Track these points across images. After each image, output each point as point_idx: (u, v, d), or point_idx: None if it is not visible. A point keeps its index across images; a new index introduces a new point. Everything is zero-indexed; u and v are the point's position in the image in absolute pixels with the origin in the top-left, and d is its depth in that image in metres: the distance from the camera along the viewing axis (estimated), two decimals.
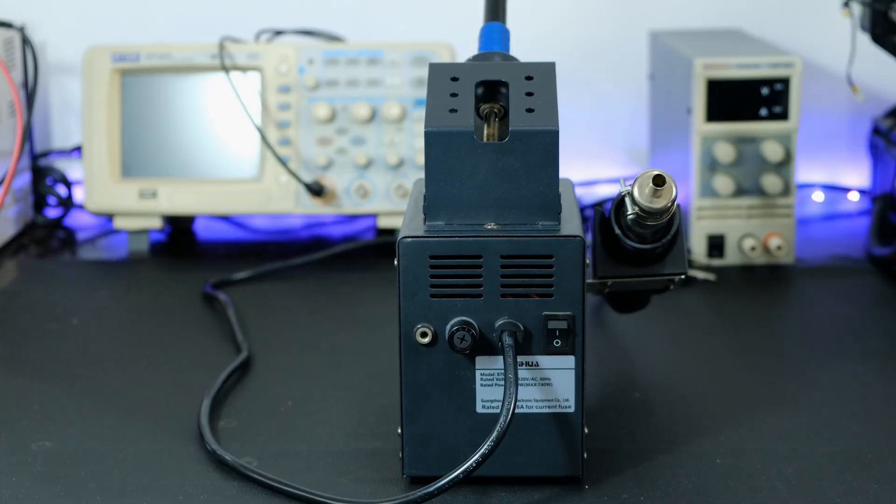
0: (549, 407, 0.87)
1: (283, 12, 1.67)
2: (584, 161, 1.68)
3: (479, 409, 0.87)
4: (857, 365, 1.11)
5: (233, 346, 1.17)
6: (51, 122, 1.70)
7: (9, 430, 0.99)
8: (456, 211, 0.86)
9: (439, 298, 0.85)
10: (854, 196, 1.67)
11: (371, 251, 1.47)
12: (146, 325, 1.25)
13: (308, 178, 1.46)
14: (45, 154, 1.66)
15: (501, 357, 0.85)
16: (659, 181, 0.85)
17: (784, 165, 1.37)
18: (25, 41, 1.55)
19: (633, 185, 0.86)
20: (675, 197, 0.86)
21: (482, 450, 0.82)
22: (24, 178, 1.57)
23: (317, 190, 1.45)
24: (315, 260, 1.43)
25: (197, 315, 1.27)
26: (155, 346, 1.19)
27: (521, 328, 0.85)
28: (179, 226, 1.55)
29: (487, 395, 0.86)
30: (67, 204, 1.60)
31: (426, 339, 0.85)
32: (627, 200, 0.87)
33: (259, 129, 1.45)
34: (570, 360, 0.86)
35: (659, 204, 0.86)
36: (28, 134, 1.55)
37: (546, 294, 0.85)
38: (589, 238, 0.89)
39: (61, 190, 1.61)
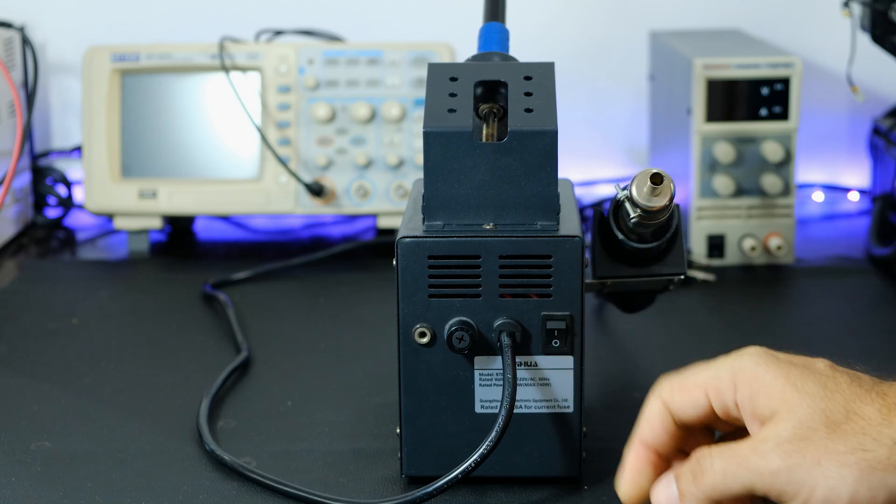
0: (547, 407, 0.87)
1: (283, 12, 1.67)
2: (584, 161, 1.68)
3: (478, 410, 0.87)
4: (857, 365, 1.10)
5: (232, 346, 1.17)
6: (51, 122, 1.70)
7: (8, 430, 0.99)
8: (454, 211, 0.86)
9: (438, 298, 0.85)
10: (854, 196, 1.67)
11: (371, 251, 1.47)
12: (146, 325, 1.25)
13: (308, 178, 1.46)
14: (45, 154, 1.66)
15: (500, 357, 0.85)
16: (657, 179, 0.85)
17: (784, 165, 1.37)
18: (25, 41, 1.55)
19: (630, 185, 0.86)
20: (674, 194, 0.86)
21: (481, 450, 0.82)
22: (24, 178, 1.57)
23: (317, 190, 1.45)
24: (315, 260, 1.43)
25: (197, 315, 1.27)
26: (155, 346, 1.19)
27: (520, 328, 0.85)
28: (179, 226, 1.56)
29: (486, 396, 0.86)
30: (67, 204, 1.60)
31: (425, 340, 0.85)
32: (628, 204, 0.87)
33: (259, 129, 1.45)
34: (568, 361, 0.86)
35: (658, 202, 0.86)
36: (28, 134, 1.56)
37: (545, 294, 0.85)
38: (588, 238, 0.89)
39: (61, 190, 1.61)
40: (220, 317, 1.25)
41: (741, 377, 0.74)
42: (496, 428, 0.82)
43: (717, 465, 0.72)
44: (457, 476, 0.82)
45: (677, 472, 0.74)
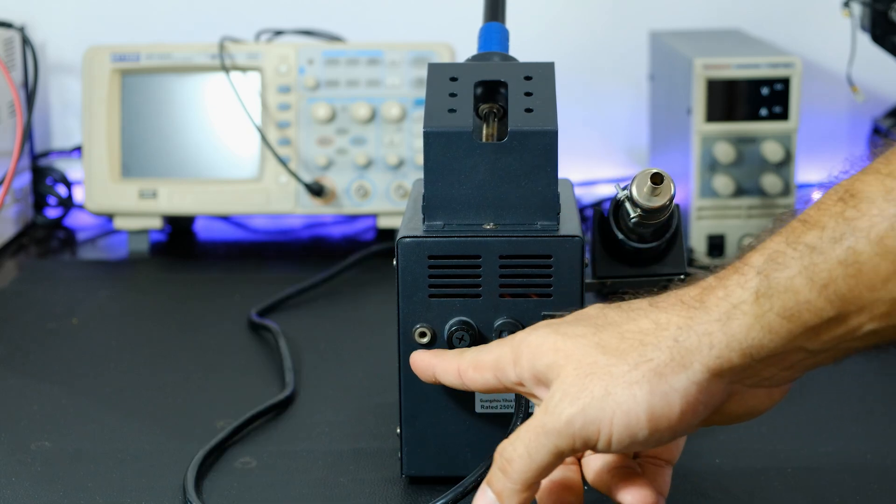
0: None
1: (283, 12, 1.67)
2: (584, 161, 1.68)
3: (479, 410, 0.87)
4: (857, 365, 1.10)
5: (234, 346, 1.17)
6: (51, 122, 1.70)
7: (8, 430, 0.99)
8: (455, 211, 0.86)
9: (438, 298, 0.85)
10: None
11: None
12: (146, 325, 1.25)
13: (308, 178, 1.46)
14: (45, 154, 1.66)
15: None
16: (657, 179, 0.85)
17: (784, 165, 1.37)
18: (25, 41, 1.55)
19: (630, 185, 0.87)
20: (674, 194, 0.86)
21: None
22: (24, 178, 1.57)
23: (317, 190, 1.45)
24: (330, 274, 1.37)
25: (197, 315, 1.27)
26: (155, 346, 1.19)
27: (521, 328, 0.85)
28: (179, 226, 1.55)
29: (486, 396, 0.86)
30: (67, 204, 1.60)
31: (425, 340, 0.85)
32: (628, 204, 0.87)
33: (259, 129, 1.45)
34: None
35: (658, 202, 0.86)
36: (28, 134, 1.55)
37: (545, 294, 0.85)
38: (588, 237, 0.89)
39: (61, 190, 1.61)
40: (223, 318, 1.25)
41: (520, 350, 0.73)
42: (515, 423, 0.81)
43: (518, 447, 0.70)
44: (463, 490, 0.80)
45: (488, 476, 0.72)
